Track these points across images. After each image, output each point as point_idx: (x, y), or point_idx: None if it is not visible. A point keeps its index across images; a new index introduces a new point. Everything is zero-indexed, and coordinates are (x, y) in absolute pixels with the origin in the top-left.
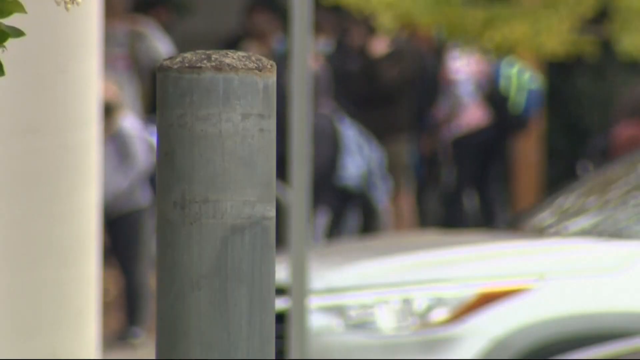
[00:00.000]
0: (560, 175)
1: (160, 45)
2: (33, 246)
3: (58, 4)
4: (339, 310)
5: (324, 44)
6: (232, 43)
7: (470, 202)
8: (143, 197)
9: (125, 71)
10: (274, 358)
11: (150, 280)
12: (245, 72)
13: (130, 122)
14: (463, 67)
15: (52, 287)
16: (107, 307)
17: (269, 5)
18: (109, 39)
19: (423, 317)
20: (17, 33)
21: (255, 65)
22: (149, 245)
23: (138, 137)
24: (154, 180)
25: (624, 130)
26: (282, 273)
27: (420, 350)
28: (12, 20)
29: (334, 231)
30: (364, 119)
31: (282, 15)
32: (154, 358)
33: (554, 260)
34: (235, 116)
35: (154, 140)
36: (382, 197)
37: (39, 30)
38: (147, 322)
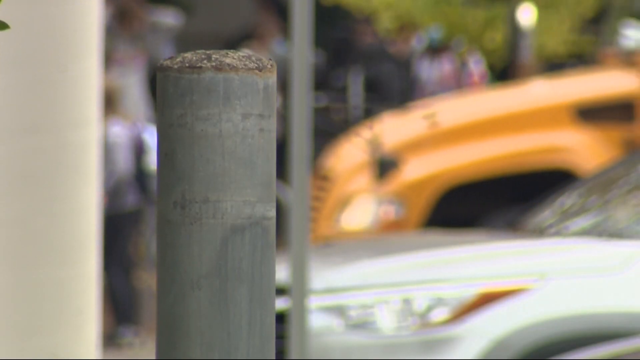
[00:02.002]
0: None
1: (167, 19)
2: (33, 246)
3: None
4: (339, 310)
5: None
6: (235, 43)
7: None
8: (127, 202)
9: (143, 68)
10: (274, 358)
11: (148, 280)
12: (246, 72)
13: (117, 129)
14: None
15: (52, 286)
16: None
17: (272, 7)
18: (124, 38)
19: (423, 317)
20: (1, 26)
21: (256, 65)
22: (128, 246)
23: (122, 145)
24: (143, 182)
25: None
26: (282, 273)
27: (420, 350)
28: (11, 19)
29: None
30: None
31: (283, 18)
32: (154, 358)
33: (554, 260)
34: (235, 116)
35: (148, 139)
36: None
37: (39, 30)
38: (134, 321)
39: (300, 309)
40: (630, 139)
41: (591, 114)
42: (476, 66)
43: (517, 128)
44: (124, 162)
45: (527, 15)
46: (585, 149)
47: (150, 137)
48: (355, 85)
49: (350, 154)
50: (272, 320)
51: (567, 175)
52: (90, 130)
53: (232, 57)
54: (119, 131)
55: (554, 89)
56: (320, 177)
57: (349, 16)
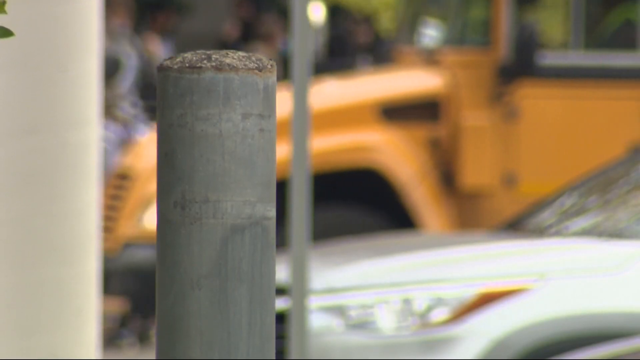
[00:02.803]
0: None
1: (129, 60)
2: (33, 245)
3: None
4: (339, 310)
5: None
6: (234, 46)
7: None
8: None
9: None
10: (274, 358)
11: None
12: (246, 72)
13: (107, 134)
14: None
15: (52, 286)
16: None
17: (275, 7)
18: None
19: (423, 317)
20: (6, 33)
21: (256, 65)
22: None
23: (111, 153)
24: None
25: None
26: (282, 273)
27: (420, 350)
28: (11, 19)
29: None
30: None
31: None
32: (154, 358)
33: (554, 260)
34: (235, 116)
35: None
36: None
37: (39, 30)
38: (135, 324)
39: (300, 309)
40: (436, 137)
41: (395, 113)
42: None
43: (321, 127)
44: (111, 163)
45: (317, 13)
46: (390, 148)
47: (141, 139)
48: None
49: (150, 152)
50: (272, 320)
51: (375, 175)
52: (90, 130)
53: (232, 57)
54: (109, 136)
55: (355, 87)
56: (119, 175)
57: (349, 16)
